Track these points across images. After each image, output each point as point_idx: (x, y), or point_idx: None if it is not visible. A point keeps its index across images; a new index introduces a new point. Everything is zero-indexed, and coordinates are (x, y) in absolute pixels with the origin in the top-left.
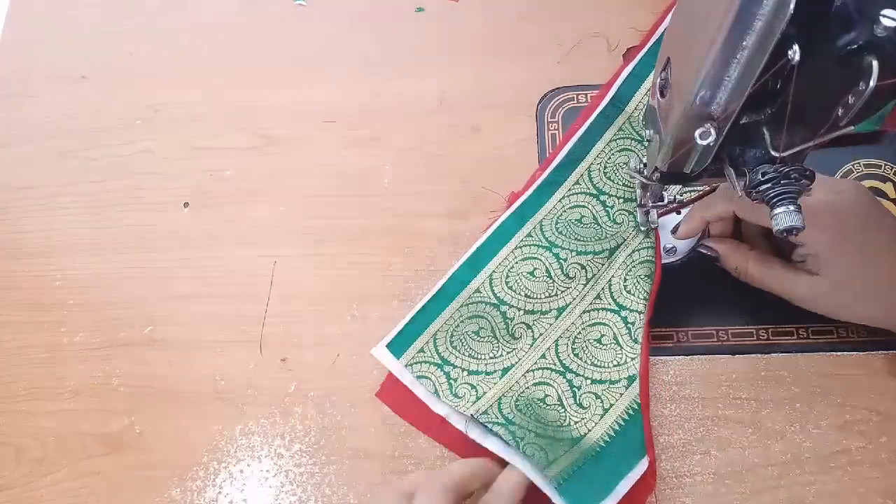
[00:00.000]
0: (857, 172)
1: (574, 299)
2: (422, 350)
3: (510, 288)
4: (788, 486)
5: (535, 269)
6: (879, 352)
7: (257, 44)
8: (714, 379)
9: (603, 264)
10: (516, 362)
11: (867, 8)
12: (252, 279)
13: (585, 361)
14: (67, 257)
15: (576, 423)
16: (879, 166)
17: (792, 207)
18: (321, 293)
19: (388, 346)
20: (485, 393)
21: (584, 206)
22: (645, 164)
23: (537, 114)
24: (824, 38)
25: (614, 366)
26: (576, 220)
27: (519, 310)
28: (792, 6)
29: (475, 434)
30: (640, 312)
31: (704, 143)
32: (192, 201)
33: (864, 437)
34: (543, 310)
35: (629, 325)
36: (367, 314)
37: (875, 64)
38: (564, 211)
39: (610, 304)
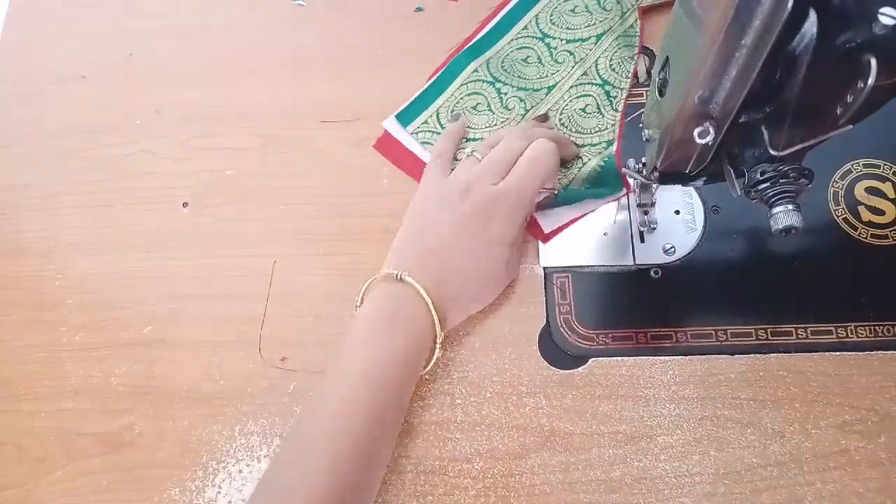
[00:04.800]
0: (857, 172)
1: (563, 79)
2: (426, 122)
3: (505, 70)
4: (787, 487)
5: (528, 56)
6: (878, 352)
7: (257, 44)
8: (713, 379)
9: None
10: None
11: (865, 6)
12: (252, 279)
13: (570, 129)
14: (67, 257)
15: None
16: (878, 166)
17: (791, 206)
18: (321, 293)
19: (397, 116)
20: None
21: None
22: (644, 164)
23: None
24: (823, 36)
25: (596, 131)
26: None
27: (512, 87)
28: (790, 4)
29: None
30: (622, 88)
31: (703, 141)
32: (192, 201)
33: (862, 437)
34: (535, 87)
35: (611, 98)
36: None
37: (874, 62)
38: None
39: (595, 78)
